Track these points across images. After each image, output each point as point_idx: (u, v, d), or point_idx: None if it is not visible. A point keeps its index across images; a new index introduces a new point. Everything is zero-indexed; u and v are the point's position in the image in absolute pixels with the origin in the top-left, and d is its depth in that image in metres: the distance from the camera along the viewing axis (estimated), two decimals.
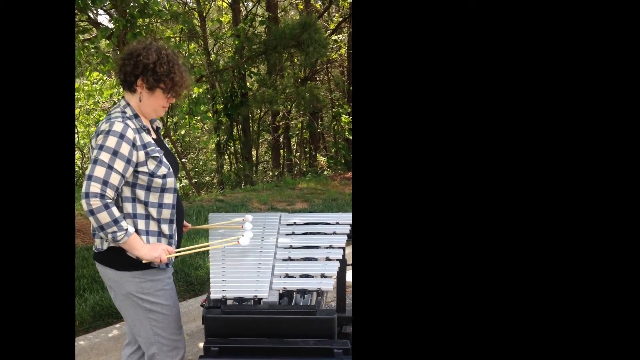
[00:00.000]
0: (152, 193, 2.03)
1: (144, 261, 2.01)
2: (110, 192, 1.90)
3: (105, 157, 1.90)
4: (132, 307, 2.10)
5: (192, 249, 2.25)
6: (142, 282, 2.06)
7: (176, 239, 2.15)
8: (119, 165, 1.92)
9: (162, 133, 2.30)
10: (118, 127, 1.93)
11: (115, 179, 1.91)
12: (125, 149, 1.93)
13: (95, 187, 1.86)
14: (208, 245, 2.29)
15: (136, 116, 2.05)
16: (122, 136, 1.93)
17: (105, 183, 1.88)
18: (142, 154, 1.98)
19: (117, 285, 2.08)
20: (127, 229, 1.94)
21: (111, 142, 1.91)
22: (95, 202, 1.86)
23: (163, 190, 2.05)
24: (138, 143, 1.97)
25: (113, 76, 10.61)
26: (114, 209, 1.90)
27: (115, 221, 1.90)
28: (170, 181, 2.06)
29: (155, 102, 2.08)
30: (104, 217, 1.87)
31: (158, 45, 2.08)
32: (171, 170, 2.07)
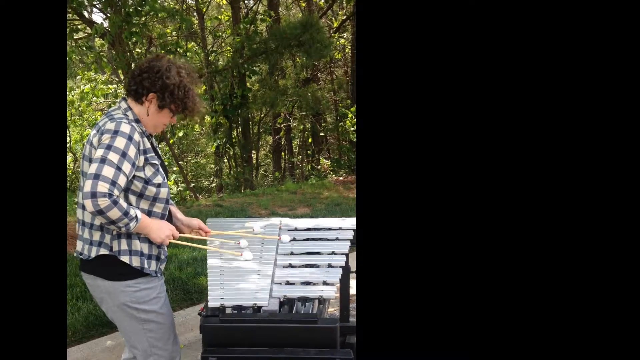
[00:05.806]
0: (144, 200, 2.03)
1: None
2: (116, 193, 1.87)
3: (114, 157, 1.87)
4: (127, 319, 2.08)
5: (194, 239, 2.28)
6: (136, 292, 2.04)
7: (165, 248, 2.14)
8: (127, 167, 1.90)
9: (158, 135, 2.27)
10: (126, 128, 1.93)
11: (122, 180, 1.89)
12: (132, 151, 1.93)
13: (103, 187, 1.83)
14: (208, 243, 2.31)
15: (137, 121, 2.05)
16: (130, 138, 1.93)
17: (113, 184, 1.85)
18: (142, 158, 1.98)
19: (109, 297, 2.05)
20: (136, 216, 1.93)
21: (120, 143, 1.90)
22: (104, 202, 1.82)
23: (155, 199, 2.04)
24: (141, 147, 1.97)
25: (107, 73, 10.46)
26: (121, 201, 1.88)
27: (126, 213, 1.88)
28: (164, 191, 2.06)
29: (159, 120, 2.09)
30: (114, 213, 1.85)
31: (178, 65, 2.09)
32: (165, 180, 2.07)
